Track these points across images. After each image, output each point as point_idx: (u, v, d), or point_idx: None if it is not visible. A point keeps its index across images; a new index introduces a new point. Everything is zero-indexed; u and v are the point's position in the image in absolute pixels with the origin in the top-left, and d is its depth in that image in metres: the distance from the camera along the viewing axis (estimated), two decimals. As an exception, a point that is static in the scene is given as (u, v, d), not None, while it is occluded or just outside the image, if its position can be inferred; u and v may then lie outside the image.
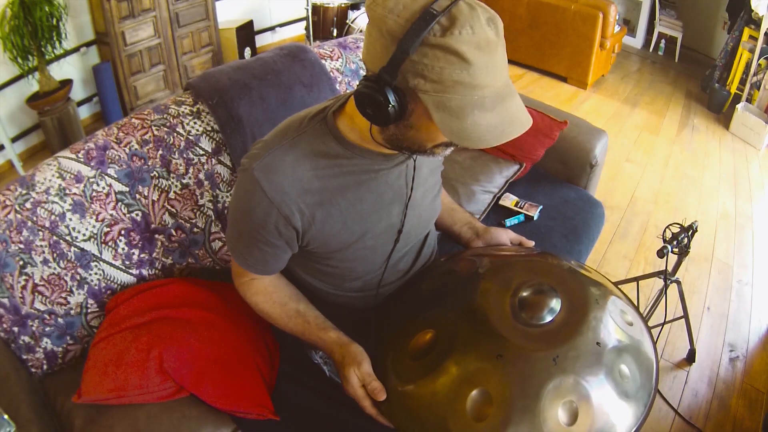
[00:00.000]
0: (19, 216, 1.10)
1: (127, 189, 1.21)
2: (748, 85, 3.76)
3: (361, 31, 3.56)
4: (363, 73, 1.67)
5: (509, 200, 1.83)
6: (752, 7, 3.66)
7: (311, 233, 0.89)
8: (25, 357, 1.15)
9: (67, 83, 2.82)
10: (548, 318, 0.81)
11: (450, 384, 0.78)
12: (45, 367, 1.18)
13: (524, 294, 0.84)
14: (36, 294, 1.12)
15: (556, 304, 0.82)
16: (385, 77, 0.70)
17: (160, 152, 1.26)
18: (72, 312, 1.18)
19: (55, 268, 1.13)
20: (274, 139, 0.87)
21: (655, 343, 0.87)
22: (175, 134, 1.28)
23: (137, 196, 1.23)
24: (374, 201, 0.92)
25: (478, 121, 0.69)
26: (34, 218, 1.11)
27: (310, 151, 0.86)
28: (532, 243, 1.15)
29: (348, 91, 0.91)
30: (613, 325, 0.81)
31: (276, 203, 0.84)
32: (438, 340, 0.83)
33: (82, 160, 1.19)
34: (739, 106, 3.71)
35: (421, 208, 1.02)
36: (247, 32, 3.83)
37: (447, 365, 0.79)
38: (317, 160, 0.86)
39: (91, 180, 1.18)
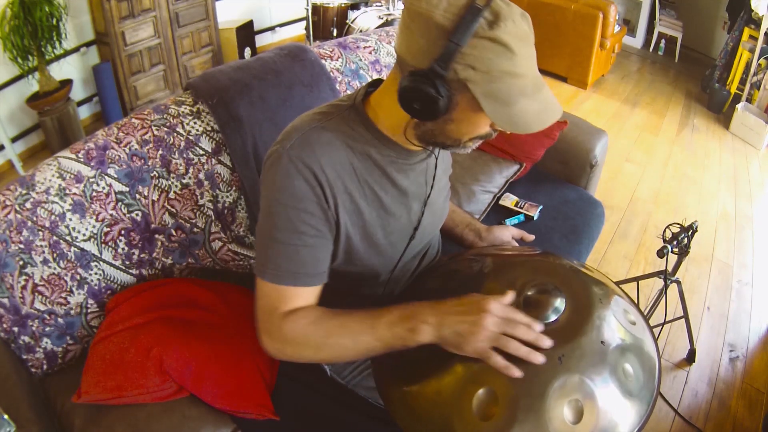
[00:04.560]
0: (19, 216, 1.10)
1: (127, 189, 1.21)
2: (748, 85, 3.76)
3: (361, 31, 3.56)
4: (363, 73, 1.66)
5: (509, 200, 1.83)
6: (752, 7, 3.66)
7: (341, 219, 0.86)
8: (25, 357, 1.14)
9: (67, 83, 2.82)
10: (553, 317, 0.81)
11: (455, 383, 0.77)
12: (45, 367, 1.18)
13: (529, 293, 0.84)
14: (36, 294, 1.12)
15: (560, 303, 0.82)
16: (438, 70, 0.71)
17: (160, 152, 1.26)
18: (72, 312, 1.17)
19: (55, 268, 1.13)
20: (303, 124, 0.85)
21: (656, 342, 0.87)
22: (175, 134, 1.28)
23: (137, 196, 1.22)
24: (398, 194, 0.92)
25: (524, 108, 0.73)
26: (34, 218, 1.11)
27: (343, 134, 0.85)
28: (532, 237, 1.16)
29: (366, 83, 0.90)
30: (616, 324, 0.81)
31: (315, 172, 0.80)
32: None
33: (82, 160, 1.19)
34: (739, 106, 3.71)
35: (436, 206, 1.02)
36: (247, 32, 3.83)
37: (452, 365, 0.79)
38: (349, 143, 0.85)
39: (91, 180, 1.18)
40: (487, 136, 0.82)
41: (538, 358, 0.74)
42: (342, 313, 0.85)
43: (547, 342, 0.75)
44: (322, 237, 0.85)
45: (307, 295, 0.87)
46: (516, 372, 0.73)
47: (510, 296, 0.80)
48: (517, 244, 1.18)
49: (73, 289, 1.16)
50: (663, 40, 5.03)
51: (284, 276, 0.84)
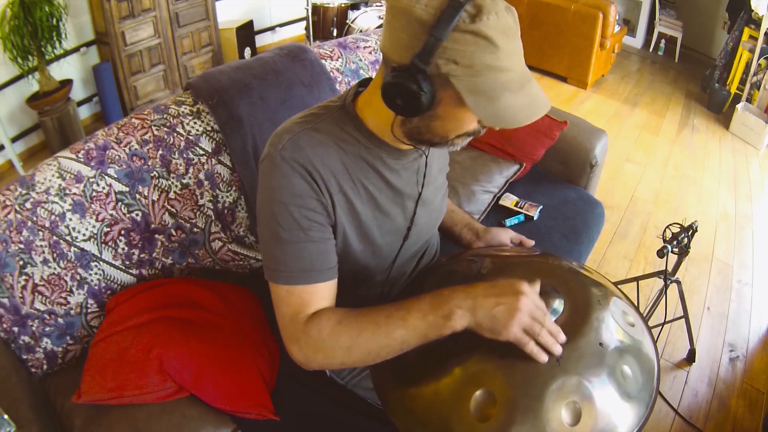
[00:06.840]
0: (19, 216, 1.10)
1: (127, 189, 1.21)
2: (748, 85, 3.76)
3: (361, 31, 3.56)
4: (363, 73, 1.66)
5: (509, 200, 1.83)
6: (752, 7, 3.66)
7: (338, 219, 0.86)
8: (25, 357, 1.15)
9: (67, 83, 2.82)
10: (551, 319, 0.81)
11: (453, 384, 0.78)
12: (45, 367, 1.18)
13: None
14: (36, 294, 1.12)
15: (558, 305, 0.82)
16: (419, 65, 0.70)
17: (160, 152, 1.26)
18: (72, 312, 1.18)
19: (55, 268, 1.13)
20: (293, 126, 0.85)
21: (656, 344, 0.87)
22: (175, 134, 1.28)
23: (137, 196, 1.22)
24: (393, 195, 0.91)
25: (509, 103, 0.71)
26: (34, 218, 1.11)
27: (334, 136, 0.85)
28: (532, 242, 1.15)
29: (356, 83, 0.90)
30: (615, 325, 0.81)
31: (310, 170, 0.80)
32: (441, 341, 0.83)
33: (82, 160, 1.19)
34: (739, 106, 3.71)
35: (432, 206, 1.02)
36: (247, 32, 3.83)
37: (450, 366, 0.79)
38: (341, 145, 0.85)
39: (91, 180, 1.18)
40: (475, 133, 0.81)
41: (558, 350, 0.75)
42: (367, 311, 0.82)
43: (562, 336, 0.76)
44: (327, 231, 0.85)
45: (324, 292, 0.84)
46: (544, 357, 0.74)
47: (538, 284, 0.81)
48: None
49: (73, 289, 1.16)
50: (663, 40, 5.03)
51: (297, 276, 0.82)
